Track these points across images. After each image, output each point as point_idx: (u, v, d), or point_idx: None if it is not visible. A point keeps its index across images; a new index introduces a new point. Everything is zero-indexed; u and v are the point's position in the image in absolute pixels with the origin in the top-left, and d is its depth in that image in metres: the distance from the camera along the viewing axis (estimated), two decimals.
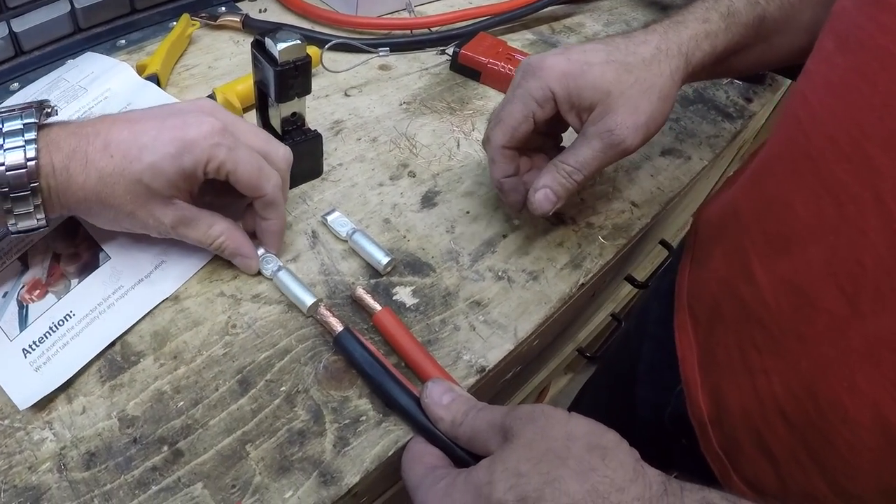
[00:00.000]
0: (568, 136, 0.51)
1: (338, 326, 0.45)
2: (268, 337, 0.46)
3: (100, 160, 0.40)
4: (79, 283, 0.47)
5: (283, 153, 0.47)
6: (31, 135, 0.38)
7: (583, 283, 0.53)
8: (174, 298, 0.48)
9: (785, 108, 0.47)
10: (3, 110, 0.39)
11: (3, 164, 0.37)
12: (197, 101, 0.45)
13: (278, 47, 0.47)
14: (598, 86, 0.43)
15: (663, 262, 0.82)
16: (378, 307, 0.47)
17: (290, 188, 0.55)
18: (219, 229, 0.46)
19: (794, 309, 0.41)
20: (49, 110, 0.41)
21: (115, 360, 0.44)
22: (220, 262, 0.50)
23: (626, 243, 0.57)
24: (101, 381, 0.43)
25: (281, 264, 0.49)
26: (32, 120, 0.38)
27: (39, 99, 0.41)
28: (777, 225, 0.44)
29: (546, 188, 0.46)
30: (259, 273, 0.49)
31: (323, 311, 0.46)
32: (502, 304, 0.50)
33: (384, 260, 0.50)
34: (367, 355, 0.44)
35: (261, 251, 0.49)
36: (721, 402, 0.50)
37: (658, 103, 0.44)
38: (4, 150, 0.37)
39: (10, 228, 0.40)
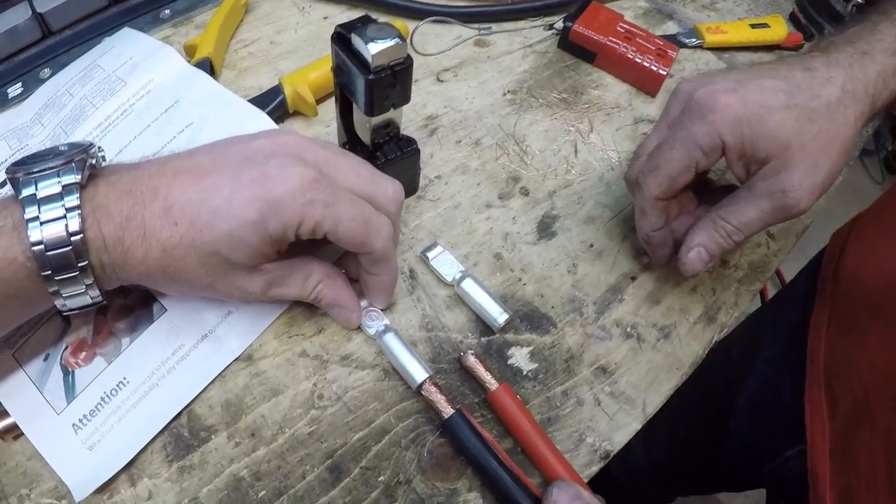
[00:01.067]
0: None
1: (447, 409, 0.37)
2: (361, 413, 0.38)
3: (162, 229, 0.30)
4: (131, 342, 0.39)
5: (392, 193, 0.37)
6: (73, 199, 0.29)
7: (716, 342, 0.45)
8: (247, 358, 0.39)
9: None
10: (37, 166, 0.29)
11: (41, 243, 0.28)
12: (278, 136, 0.35)
13: (371, 50, 0.36)
14: (776, 137, 0.36)
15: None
16: (494, 384, 0.38)
17: None
18: (316, 278, 0.38)
19: None
20: (94, 160, 0.31)
21: (181, 435, 0.37)
22: (299, 309, 0.41)
23: (761, 288, 0.48)
24: (167, 461, 0.36)
25: (388, 323, 0.41)
26: (73, 179, 0.29)
27: (81, 142, 0.31)
28: None
29: (701, 247, 0.40)
30: (359, 328, 0.41)
31: (430, 387, 0.38)
32: (631, 370, 0.42)
33: (500, 318, 0.41)
34: (480, 443, 0.36)
35: (364, 302, 0.41)
36: None
37: (837, 158, 0.37)
38: (42, 224, 0.28)
39: (59, 308, 0.31)
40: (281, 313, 0.41)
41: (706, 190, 0.44)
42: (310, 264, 0.37)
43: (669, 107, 0.40)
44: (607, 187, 0.50)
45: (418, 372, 0.38)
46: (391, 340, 0.39)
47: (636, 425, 0.40)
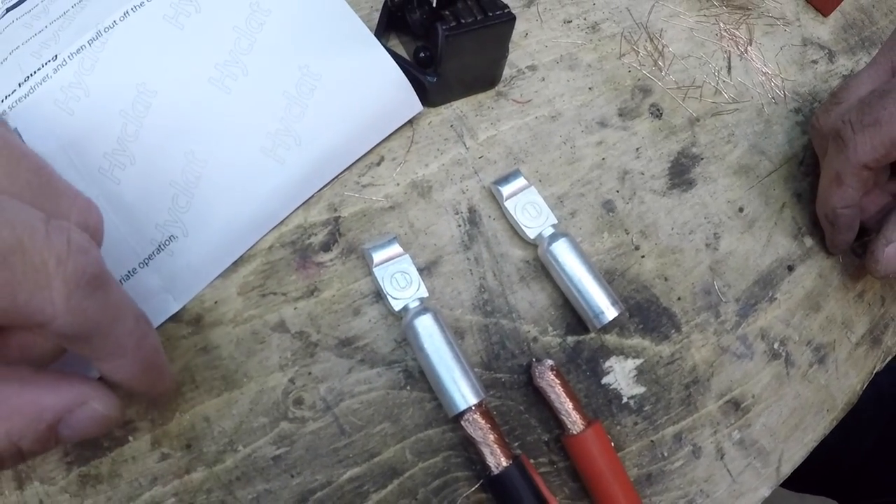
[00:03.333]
0: None
1: (500, 459, 0.23)
2: (361, 437, 0.25)
3: None
4: None
5: (81, 202, 0.18)
6: None
7: (877, 374, 0.33)
8: (192, 320, 0.25)
9: None
10: None
11: None
12: None
13: None
14: None
15: None
16: (580, 425, 0.24)
17: (443, 102, 0.30)
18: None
19: None
20: None
21: None
22: (283, 252, 0.26)
23: None
24: (65, 462, 0.24)
25: (424, 297, 0.26)
26: None
27: None
28: None
29: None
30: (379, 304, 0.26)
31: (477, 419, 0.23)
32: (771, 407, 0.29)
33: (607, 313, 0.26)
34: None
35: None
36: None
37: None
38: None
39: None
40: (255, 247, 0.26)
41: None
42: None
43: None
44: (767, 126, 0.35)
45: (461, 394, 0.23)
46: (426, 328, 0.24)
47: (764, 492, 0.28)
